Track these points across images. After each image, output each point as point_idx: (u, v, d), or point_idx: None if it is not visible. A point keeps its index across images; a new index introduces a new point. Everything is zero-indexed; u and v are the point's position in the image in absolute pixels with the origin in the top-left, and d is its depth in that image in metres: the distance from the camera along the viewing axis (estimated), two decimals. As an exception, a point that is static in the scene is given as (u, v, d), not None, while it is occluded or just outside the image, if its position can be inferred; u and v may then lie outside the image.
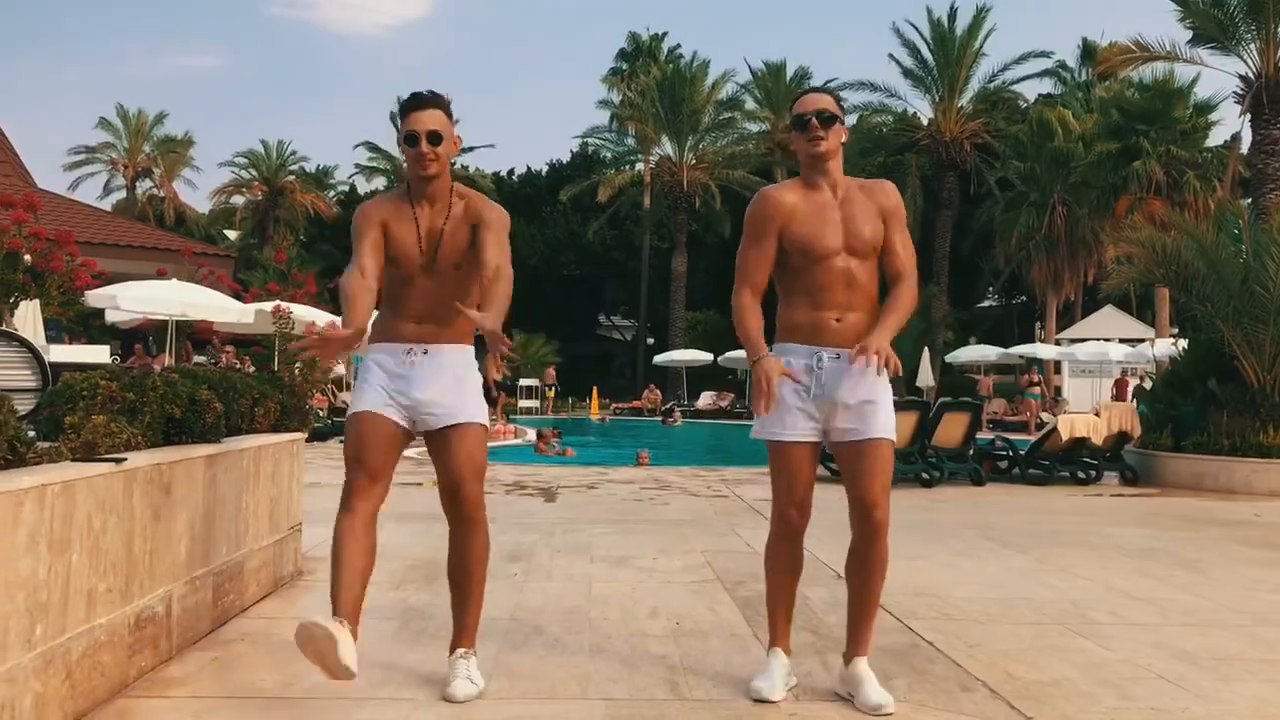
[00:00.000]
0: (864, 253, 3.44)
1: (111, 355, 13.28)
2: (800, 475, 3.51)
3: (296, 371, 6.74)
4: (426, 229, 3.54)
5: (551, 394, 33.76)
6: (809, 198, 3.46)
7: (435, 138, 3.46)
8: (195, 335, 21.14)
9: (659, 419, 31.05)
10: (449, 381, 3.55)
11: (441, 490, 3.55)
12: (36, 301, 9.93)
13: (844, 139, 3.49)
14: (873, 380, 3.40)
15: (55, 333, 13.98)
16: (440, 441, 3.55)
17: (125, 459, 3.36)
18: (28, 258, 9.55)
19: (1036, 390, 26.41)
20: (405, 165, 3.56)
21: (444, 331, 3.58)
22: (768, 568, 3.69)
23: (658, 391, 36.53)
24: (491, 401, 20.84)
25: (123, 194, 52.01)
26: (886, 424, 3.46)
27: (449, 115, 3.54)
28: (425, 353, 3.55)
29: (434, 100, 3.54)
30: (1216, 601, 5.24)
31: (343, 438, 3.57)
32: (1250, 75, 22.15)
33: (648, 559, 6.22)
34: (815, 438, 3.48)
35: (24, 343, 5.13)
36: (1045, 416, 20.39)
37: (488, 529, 3.62)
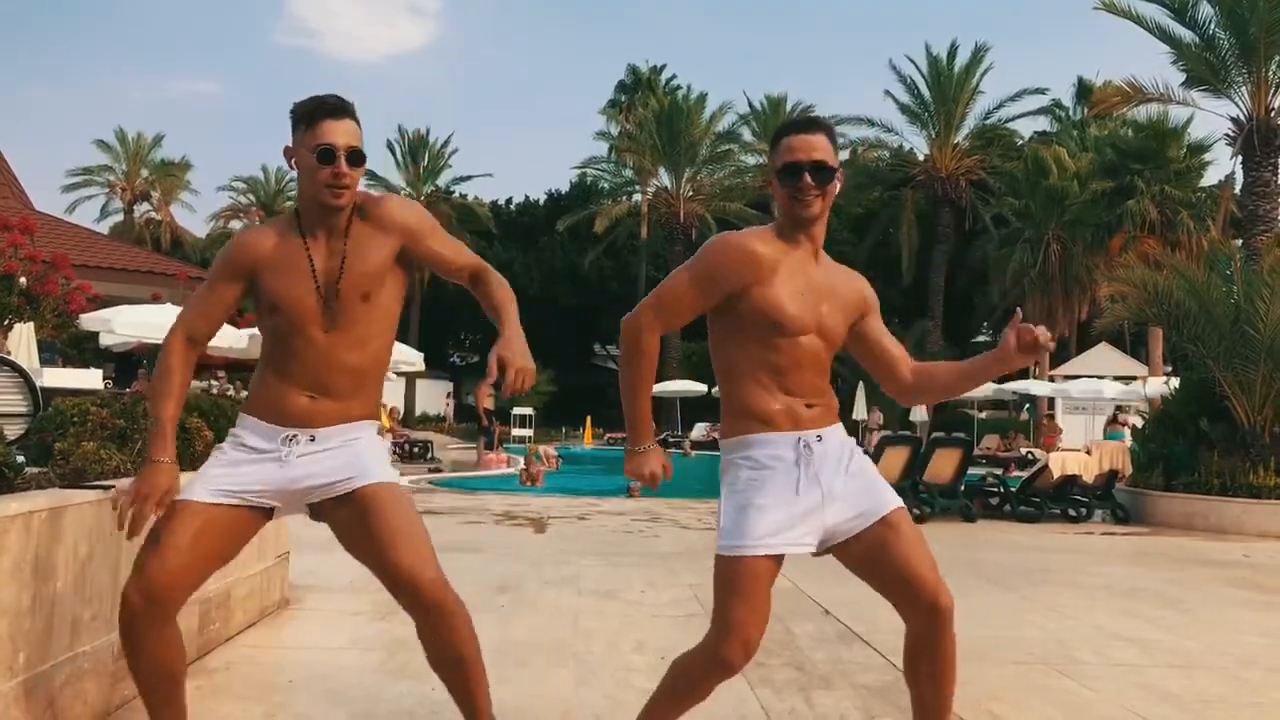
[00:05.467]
0: (833, 338, 2.77)
1: (105, 379, 13.27)
2: (764, 596, 2.62)
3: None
4: (324, 267, 2.76)
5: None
6: (786, 253, 2.72)
7: (357, 158, 2.75)
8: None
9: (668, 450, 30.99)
10: (342, 454, 2.78)
11: (388, 583, 2.71)
12: (31, 324, 9.96)
13: (838, 190, 2.75)
14: (855, 453, 2.79)
15: (49, 355, 13.98)
16: (354, 517, 2.72)
17: (113, 486, 3.37)
18: (23, 280, 9.60)
19: (1121, 429, 25.06)
20: (304, 186, 2.78)
21: (347, 411, 2.80)
22: (679, 698, 2.78)
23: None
24: (486, 431, 20.81)
25: (120, 217, 52.14)
26: (893, 494, 2.78)
27: (360, 129, 2.82)
28: (312, 440, 2.76)
29: (349, 108, 2.78)
30: (1203, 643, 5.25)
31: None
32: (1242, 117, 22.35)
33: (635, 592, 6.21)
34: (792, 548, 2.65)
35: (15, 367, 5.14)
36: (1037, 453, 20.40)
37: (460, 603, 2.74)
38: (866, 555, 2.70)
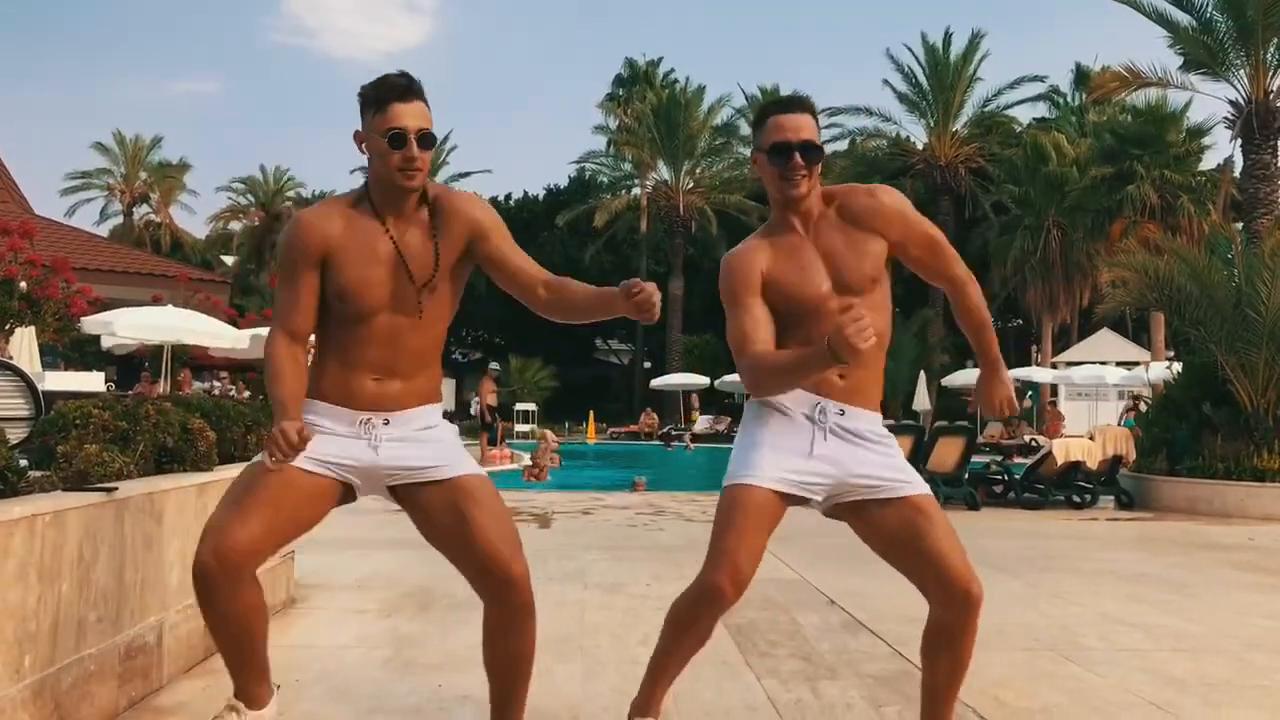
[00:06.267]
0: (861, 286, 2.78)
1: (107, 382, 13.28)
2: (756, 527, 2.68)
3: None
4: (411, 251, 2.75)
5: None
6: (778, 244, 2.82)
7: (428, 140, 2.70)
8: (194, 362, 21.16)
9: (659, 443, 31.08)
10: (429, 445, 2.81)
11: (475, 572, 2.76)
12: (32, 328, 9.97)
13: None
14: (885, 438, 2.82)
15: (51, 358, 14.01)
16: (446, 503, 2.75)
17: (116, 488, 3.38)
18: (23, 284, 9.60)
19: (1132, 416, 25.43)
20: (376, 170, 2.75)
21: (411, 390, 2.80)
22: (678, 640, 2.88)
23: (654, 416, 36.53)
24: (489, 428, 20.79)
25: (120, 219, 52.14)
26: (922, 482, 2.82)
27: (429, 108, 2.77)
28: (386, 423, 2.77)
29: (417, 89, 2.74)
30: (1208, 627, 5.25)
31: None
32: (1240, 101, 22.31)
33: (641, 585, 6.22)
34: (793, 489, 2.73)
35: (17, 371, 5.15)
36: (1040, 440, 20.38)
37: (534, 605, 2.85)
38: (895, 537, 2.74)
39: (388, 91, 2.69)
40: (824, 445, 2.74)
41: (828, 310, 2.73)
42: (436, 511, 2.76)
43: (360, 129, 2.77)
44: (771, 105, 2.82)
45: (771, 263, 2.79)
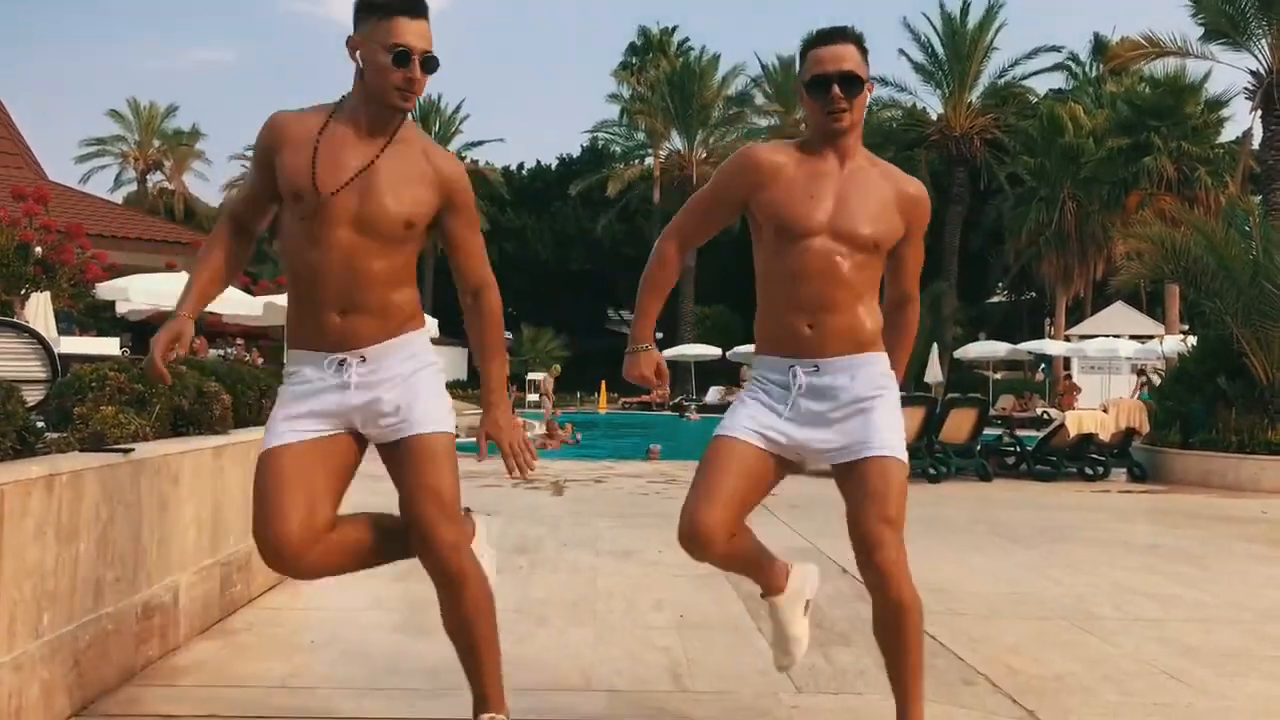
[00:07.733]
0: (856, 241, 2.64)
1: (122, 348, 13.33)
2: (721, 476, 2.68)
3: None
4: (347, 158, 2.55)
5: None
6: (803, 162, 2.69)
7: (431, 63, 2.54)
8: (208, 328, 21.20)
9: (672, 413, 31.13)
10: (400, 385, 2.64)
11: (409, 529, 2.64)
12: (47, 293, 10.01)
13: (869, 99, 2.72)
14: (870, 386, 2.70)
15: (66, 324, 14.06)
16: (394, 461, 2.64)
17: (133, 449, 3.39)
18: (39, 250, 9.62)
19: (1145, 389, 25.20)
20: (369, 81, 2.56)
21: (384, 321, 2.62)
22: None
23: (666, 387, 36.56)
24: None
25: (134, 187, 52.19)
26: (888, 436, 2.66)
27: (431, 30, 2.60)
28: (363, 361, 2.60)
29: (425, 8, 2.56)
30: (1221, 598, 5.25)
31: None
32: (1261, 71, 22.07)
33: (653, 552, 6.23)
34: (766, 446, 2.72)
35: (33, 334, 5.17)
36: (1053, 412, 20.36)
37: (480, 574, 2.70)
38: (845, 489, 2.71)
39: (395, 1, 2.51)
40: (796, 410, 2.70)
41: (812, 246, 2.64)
42: (393, 464, 2.66)
43: (355, 35, 2.57)
44: (814, 38, 2.70)
45: (780, 176, 2.68)
